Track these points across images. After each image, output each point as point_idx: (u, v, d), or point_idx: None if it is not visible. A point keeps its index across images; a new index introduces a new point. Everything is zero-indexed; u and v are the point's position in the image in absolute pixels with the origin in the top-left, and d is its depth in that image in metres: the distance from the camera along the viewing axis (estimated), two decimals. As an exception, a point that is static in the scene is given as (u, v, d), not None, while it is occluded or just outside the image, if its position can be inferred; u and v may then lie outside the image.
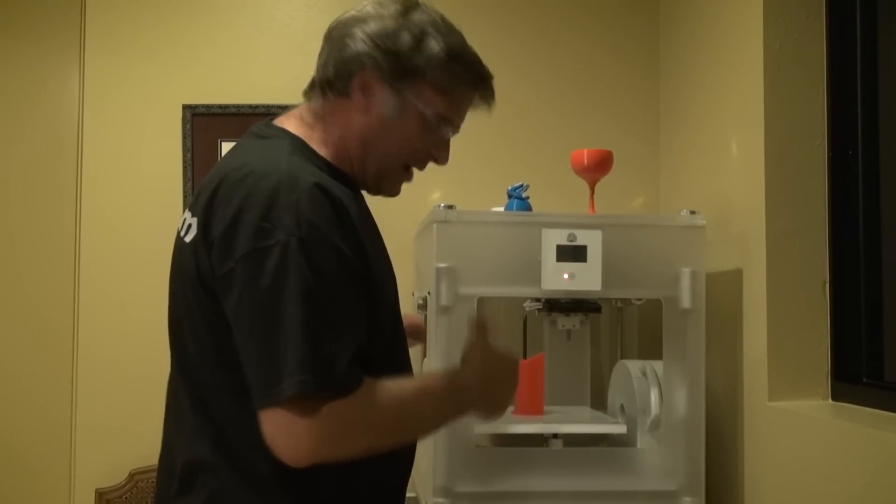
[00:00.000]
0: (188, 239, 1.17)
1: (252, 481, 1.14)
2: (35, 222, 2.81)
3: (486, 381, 1.24)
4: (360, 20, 1.24)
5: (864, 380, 1.93)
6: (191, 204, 1.22)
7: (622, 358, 2.52)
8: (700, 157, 2.48)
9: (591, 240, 1.97)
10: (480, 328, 1.26)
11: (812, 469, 1.80)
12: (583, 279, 1.97)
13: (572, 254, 1.97)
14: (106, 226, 2.74)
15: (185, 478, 1.20)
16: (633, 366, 2.23)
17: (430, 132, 1.26)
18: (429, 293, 1.96)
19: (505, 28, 2.83)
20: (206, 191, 1.17)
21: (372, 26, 1.22)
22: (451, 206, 1.97)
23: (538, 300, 2.26)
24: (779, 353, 1.99)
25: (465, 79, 1.26)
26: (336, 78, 1.25)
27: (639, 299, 2.35)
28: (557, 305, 2.28)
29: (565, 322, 2.35)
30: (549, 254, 1.96)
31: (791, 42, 2.04)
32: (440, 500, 1.90)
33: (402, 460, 1.29)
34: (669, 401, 2.02)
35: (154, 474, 2.75)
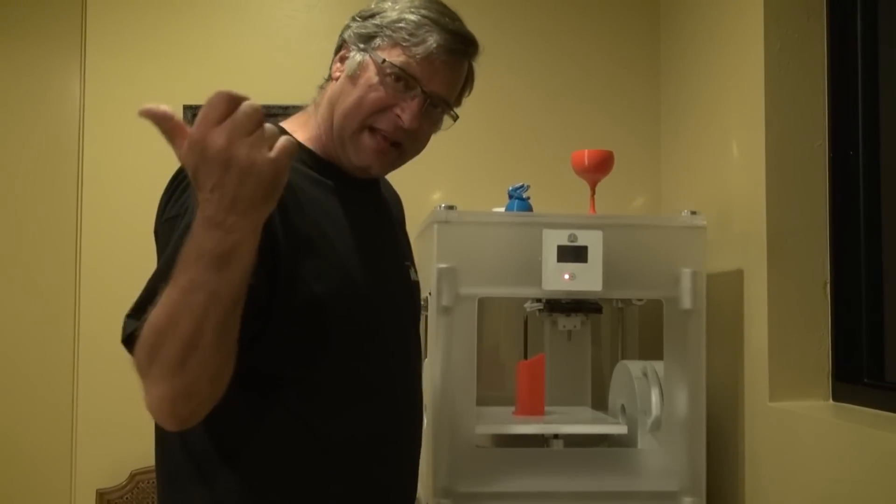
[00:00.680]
0: None
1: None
2: (36, 223, 2.81)
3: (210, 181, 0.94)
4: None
5: (865, 380, 1.93)
6: None
7: (623, 358, 2.52)
8: (701, 157, 2.48)
9: (591, 240, 1.97)
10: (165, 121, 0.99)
11: (813, 469, 1.80)
12: (583, 280, 1.97)
13: (573, 254, 1.96)
14: (107, 226, 2.74)
15: None
16: (634, 366, 2.23)
17: (392, 88, 1.24)
18: (429, 294, 1.96)
19: (506, 28, 2.83)
20: None
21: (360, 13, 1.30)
22: (451, 207, 1.97)
23: (539, 301, 2.26)
24: (779, 353, 1.99)
25: (424, 29, 1.24)
26: (331, 64, 1.32)
27: (639, 300, 2.35)
28: (558, 306, 2.27)
29: (566, 322, 2.34)
30: (549, 254, 1.96)
31: (792, 42, 2.04)
32: (441, 500, 1.90)
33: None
34: (670, 401, 2.02)
35: (154, 475, 2.75)
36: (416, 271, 1.45)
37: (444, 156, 2.74)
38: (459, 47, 1.27)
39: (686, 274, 2.00)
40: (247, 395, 1.14)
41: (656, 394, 2.10)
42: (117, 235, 2.71)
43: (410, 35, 1.23)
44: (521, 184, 2.25)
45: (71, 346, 2.76)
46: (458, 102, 1.34)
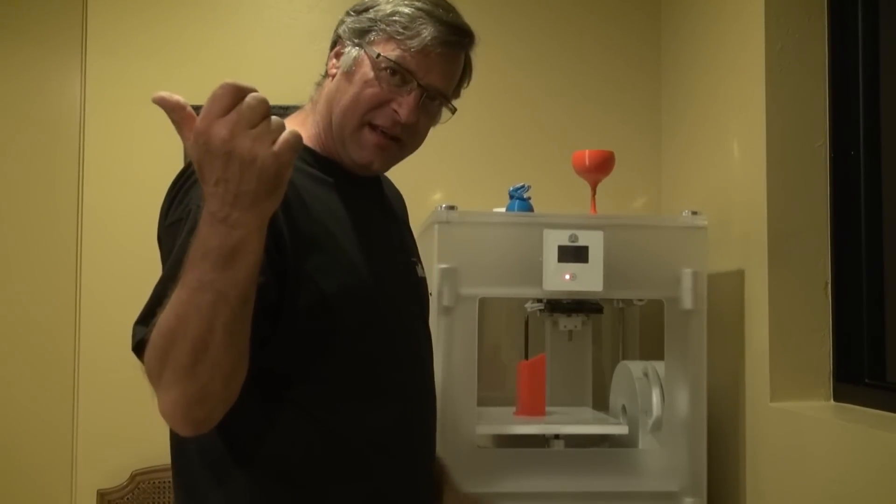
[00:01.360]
0: None
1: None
2: (36, 223, 2.81)
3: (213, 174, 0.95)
4: None
5: (866, 380, 1.93)
6: None
7: (624, 359, 2.52)
8: (702, 157, 2.48)
9: (592, 240, 1.97)
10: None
11: (814, 469, 1.80)
12: (584, 280, 1.97)
13: (574, 254, 1.96)
14: (107, 226, 2.74)
15: None
16: (635, 366, 2.23)
17: (388, 83, 1.23)
18: (430, 294, 1.96)
19: (507, 29, 2.83)
20: None
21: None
22: (452, 207, 1.97)
23: (540, 301, 2.26)
24: (780, 353, 1.99)
25: (418, 22, 1.23)
26: (326, 62, 1.31)
27: (640, 300, 2.35)
28: (559, 306, 2.27)
29: (567, 323, 2.34)
30: (550, 254, 1.96)
31: (793, 42, 2.04)
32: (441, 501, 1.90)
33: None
34: (671, 401, 2.02)
35: (155, 475, 2.76)
36: (422, 268, 1.45)
37: (445, 156, 2.74)
38: (454, 39, 1.25)
39: (687, 274, 2.00)
40: (259, 397, 1.14)
41: (657, 394, 2.10)
42: (118, 236, 2.71)
43: (405, 28, 1.22)
44: (521, 184, 2.25)
45: (71, 347, 2.76)
46: (456, 94, 1.32)
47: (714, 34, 2.39)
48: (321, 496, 1.19)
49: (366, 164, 1.28)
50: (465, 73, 1.33)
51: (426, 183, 2.75)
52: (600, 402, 2.47)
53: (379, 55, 1.22)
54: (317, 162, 1.27)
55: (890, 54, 1.93)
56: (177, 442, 1.22)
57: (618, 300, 2.47)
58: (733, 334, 2.15)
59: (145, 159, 2.72)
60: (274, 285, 1.10)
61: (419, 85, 1.24)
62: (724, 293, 2.18)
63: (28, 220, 2.81)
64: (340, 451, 1.17)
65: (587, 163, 2.22)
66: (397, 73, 1.23)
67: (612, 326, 2.64)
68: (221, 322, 0.95)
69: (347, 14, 1.30)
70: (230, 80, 0.93)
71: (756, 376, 2.05)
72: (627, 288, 2.07)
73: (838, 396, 1.97)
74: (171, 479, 1.26)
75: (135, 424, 2.62)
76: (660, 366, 2.10)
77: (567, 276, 1.96)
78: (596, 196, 2.27)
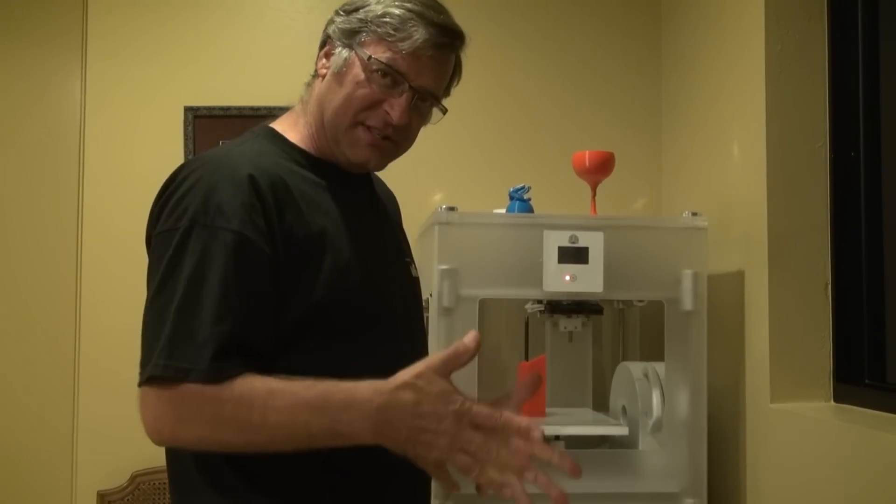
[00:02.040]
0: None
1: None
2: (36, 225, 2.81)
3: (417, 419, 1.02)
4: None
5: (866, 381, 1.93)
6: None
7: (624, 359, 2.52)
8: (702, 158, 2.48)
9: (592, 241, 1.97)
10: (459, 355, 1.05)
11: (814, 471, 1.80)
12: (584, 281, 1.97)
13: (574, 255, 1.96)
14: (107, 228, 2.74)
15: None
16: (635, 367, 2.23)
17: (379, 84, 1.23)
18: (430, 295, 1.96)
19: (507, 30, 2.83)
20: None
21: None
22: (452, 208, 1.97)
23: (540, 302, 2.25)
24: (781, 354, 1.99)
25: (409, 24, 1.22)
26: (316, 61, 1.31)
27: (640, 301, 2.35)
28: (559, 307, 2.27)
29: (567, 324, 2.34)
30: (550, 255, 1.96)
31: (793, 43, 2.04)
32: (442, 502, 1.90)
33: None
34: (671, 402, 2.02)
35: (155, 476, 2.76)
36: (416, 268, 1.45)
37: (445, 157, 2.75)
38: (445, 41, 1.25)
39: (687, 275, 2.00)
40: None
41: (657, 395, 2.10)
42: (118, 238, 2.71)
43: (395, 30, 1.22)
44: (521, 185, 2.25)
45: (72, 347, 2.76)
46: (446, 94, 1.32)
47: (714, 35, 2.39)
48: (316, 499, 1.19)
49: (362, 162, 1.28)
50: (456, 72, 1.32)
51: (426, 184, 2.75)
52: (600, 403, 2.47)
53: (370, 57, 1.22)
54: (310, 163, 1.27)
55: (890, 55, 1.94)
56: (173, 446, 1.22)
57: (618, 301, 2.47)
58: (733, 335, 2.15)
59: (145, 161, 2.72)
60: (273, 303, 1.12)
61: (410, 86, 1.24)
62: (725, 294, 2.18)
63: (29, 222, 2.81)
64: (336, 454, 1.17)
65: (587, 164, 2.22)
66: (388, 74, 1.23)
67: (613, 327, 2.64)
68: (290, 447, 1.06)
69: (337, 14, 1.29)
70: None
71: (756, 377, 2.05)
72: (627, 289, 2.07)
73: (838, 397, 1.97)
74: (170, 482, 1.27)
75: (135, 426, 2.59)
76: (660, 367, 2.10)
77: (567, 278, 1.96)
78: (596, 197, 2.27)
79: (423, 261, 2.13)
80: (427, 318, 2.04)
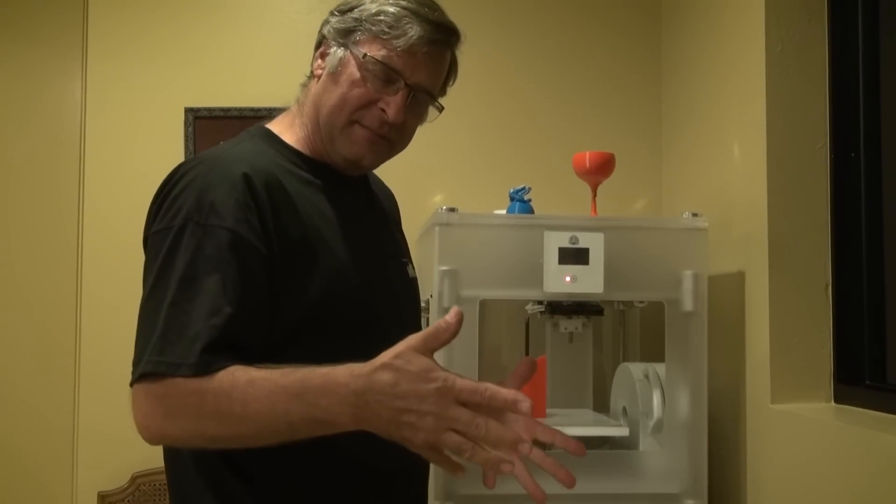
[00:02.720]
0: None
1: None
2: (37, 226, 2.82)
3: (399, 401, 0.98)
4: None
5: (867, 382, 1.93)
6: None
7: (624, 360, 2.52)
8: (702, 159, 2.48)
9: (593, 242, 1.97)
10: (441, 332, 1.00)
11: (815, 471, 1.80)
12: (585, 282, 1.97)
13: (574, 256, 1.96)
14: (108, 228, 2.74)
15: None
16: (636, 368, 2.23)
17: (375, 83, 1.23)
18: (431, 296, 1.96)
19: (508, 31, 2.83)
20: None
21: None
22: (453, 209, 1.97)
23: (540, 303, 2.26)
24: (781, 355, 1.98)
25: (404, 21, 1.23)
26: (312, 61, 1.31)
27: (641, 302, 2.35)
28: (559, 308, 2.27)
29: (567, 325, 2.34)
30: (551, 256, 1.96)
31: (793, 44, 2.04)
32: (442, 503, 1.90)
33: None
34: (672, 403, 2.02)
35: (155, 477, 2.76)
36: (413, 268, 1.44)
37: (445, 158, 2.75)
38: (440, 38, 1.25)
39: (687, 276, 2.00)
40: None
41: (658, 396, 2.10)
42: (119, 238, 2.71)
43: (390, 28, 1.22)
44: (522, 186, 2.25)
45: (72, 348, 2.76)
46: (442, 92, 1.32)
47: (714, 36, 2.39)
48: (317, 499, 1.19)
49: (356, 159, 1.27)
50: (452, 70, 1.32)
51: (427, 185, 2.75)
52: (601, 404, 2.47)
53: (365, 55, 1.22)
54: (305, 164, 1.27)
55: (890, 56, 1.93)
56: (170, 449, 1.22)
57: (618, 302, 2.47)
58: (734, 336, 2.15)
59: (146, 162, 2.72)
60: (266, 301, 1.12)
61: (406, 84, 1.24)
62: (725, 295, 2.18)
63: (29, 223, 2.82)
64: (333, 456, 1.17)
65: (588, 165, 2.22)
66: (384, 72, 1.23)
67: (613, 328, 2.64)
68: (274, 438, 1.04)
69: (332, 14, 1.30)
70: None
71: (757, 378, 2.04)
72: (628, 290, 2.07)
73: (839, 398, 1.97)
74: (170, 483, 1.27)
75: (135, 427, 2.62)
76: (660, 368, 2.10)
77: (567, 278, 1.96)
78: (596, 198, 2.27)
79: (423, 262, 2.13)
80: (427, 319, 2.04)
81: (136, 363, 1.07)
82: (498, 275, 1.97)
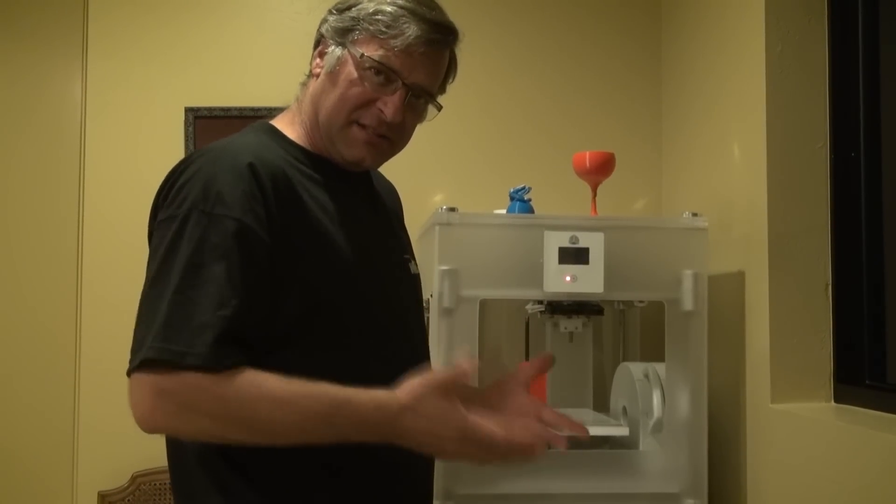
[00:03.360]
0: None
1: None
2: (37, 225, 2.82)
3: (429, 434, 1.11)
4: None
5: (867, 382, 1.93)
6: None
7: (624, 360, 2.52)
8: (702, 159, 2.48)
9: (593, 242, 1.97)
10: (458, 377, 1.12)
11: (814, 471, 1.80)
12: (585, 281, 1.97)
13: (574, 256, 1.96)
14: (108, 228, 2.74)
15: None
16: (636, 368, 2.23)
17: (372, 83, 1.23)
18: (431, 296, 1.96)
19: (507, 31, 2.83)
20: None
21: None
22: (453, 209, 1.97)
23: (540, 302, 2.25)
24: (781, 355, 1.99)
25: (401, 21, 1.22)
26: (310, 61, 1.31)
27: (641, 301, 2.35)
28: (560, 308, 2.27)
29: (567, 324, 2.34)
30: (551, 256, 1.96)
31: (793, 44, 2.04)
32: (442, 502, 1.90)
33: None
34: (672, 403, 2.02)
35: (156, 477, 2.76)
36: (416, 264, 1.44)
37: (445, 158, 2.75)
38: (438, 37, 1.25)
39: (687, 275, 2.00)
40: None
41: (658, 395, 2.10)
42: (119, 238, 2.71)
43: (388, 27, 1.22)
44: (522, 185, 2.25)
45: (72, 348, 2.76)
46: (441, 91, 1.32)
47: (714, 36, 2.39)
48: (322, 498, 1.19)
49: (357, 160, 1.28)
50: (451, 68, 1.32)
51: (427, 185, 2.75)
52: (601, 404, 2.47)
53: (363, 55, 1.22)
54: (308, 160, 1.27)
55: (890, 56, 1.94)
56: (174, 447, 1.22)
57: (618, 302, 2.47)
58: (734, 336, 2.15)
59: (146, 162, 2.73)
60: (268, 297, 1.12)
61: (404, 84, 1.24)
62: (725, 295, 2.18)
63: (29, 223, 2.82)
64: (335, 452, 1.17)
65: (588, 164, 2.22)
66: (381, 72, 1.23)
67: (613, 328, 2.64)
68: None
69: (330, 13, 1.29)
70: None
71: (757, 378, 2.05)
72: (628, 289, 2.07)
73: (839, 398, 1.97)
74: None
75: (135, 426, 2.62)
76: (660, 367, 2.10)
77: (567, 278, 1.96)
78: (596, 197, 2.27)
79: (423, 261, 2.13)
80: (427, 318, 2.04)
81: (135, 350, 1.06)
82: (498, 274, 1.98)
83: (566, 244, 1.97)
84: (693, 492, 1.98)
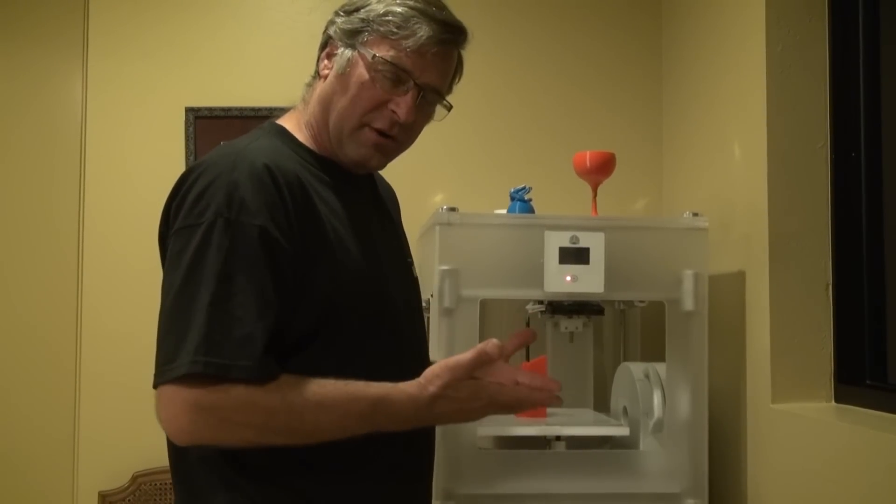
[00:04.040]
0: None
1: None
2: (37, 225, 2.81)
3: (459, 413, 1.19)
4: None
5: (868, 382, 1.93)
6: None
7: (625, 360, 2.52)
8: (703, 159, 2.48)
9: (593, 242, 1.97)
10: (483, 359, 1.17)
11: (815, 471, 1.80)
12: (585, 281, 1.97)
13: (575, 256, 1.96)
14: (108, 228, 2.74)
15: None
16: (636, 368, 2.23)
17: (385, 83, 1.23)
18: (431, 295, 1.97)
19: (507, 30, 2.83)
20: None
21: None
22: (453, 209, 1.97)
23: (541, 302, 2.25)
24: (782, 355, 1.98)
25: (412, 21, 1.23)
26: (317, 62, 1.31)
27: (641, 301, 2.35)
28: (560, 308, 2.27)
29: (568, 324, 2.34)
30: (551, 256, 1.96)
31: (793, 44, 2.04)
32: (443, 502, 1.90)
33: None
34: (672, 403, 2.02)
35: (156, 476, 2.76)
36: (415, 267, 1.45)
37: (446, 158, 2.75)
38: (449, 37, 1.25)
39: (688, 275, 2.00)
40: None
41: (658, 395, 2.10)
42: (119, 239, 2.71)
43: (399, 28, 1.22)
44: (522, 186, 2.25)
45: (73, 348, 2.76)
46: (449, 90, 1.33)
47: (715, 36, 2.39)
48: (323, 497, 1.19)
49: (363, 161, 1.28)
50: (458, 68, 1.32)
51: (427, 184, 2.75)
52: (601, 404, 2.47)
53: (374, 56, 1.22)
54: (317, 162, 1.27)
55: (891, 55, 1.93)
56: (175, 446, 1.22)
57: (619, 302, 2.46)
58: (734, 336, 2.15)
59: (146, 161, 2.73)
60: (290, 304, 1.12)
61: (416, 84, 1.24)
62: (726, 295, 2.18)
63: (29, 222, 2.82)
64: (341, 452, 1.17)
65: (588, 164, 2.22)
66: (393, 73, 1.23)
67: (614, 328, 2.64)
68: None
69: (337, 14, 1.29)
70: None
71: (757, 378, 2.05)
72: (628, 289, 2.07)
73: (840, 398, 1.97)
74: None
75: (136, 426, 2.61)
76: (661, 367, 2.10)
77: (568, 278, 1.96)
78: (597, 197, 2.27)
79: (423, 261, 2.13)
80: (428, 318, 2.04)
81: (165, 362, 1.05)
82: (498, 274, 1.98)
83: (567, 244, 1.97)
84: (694, 492, 1.98)
